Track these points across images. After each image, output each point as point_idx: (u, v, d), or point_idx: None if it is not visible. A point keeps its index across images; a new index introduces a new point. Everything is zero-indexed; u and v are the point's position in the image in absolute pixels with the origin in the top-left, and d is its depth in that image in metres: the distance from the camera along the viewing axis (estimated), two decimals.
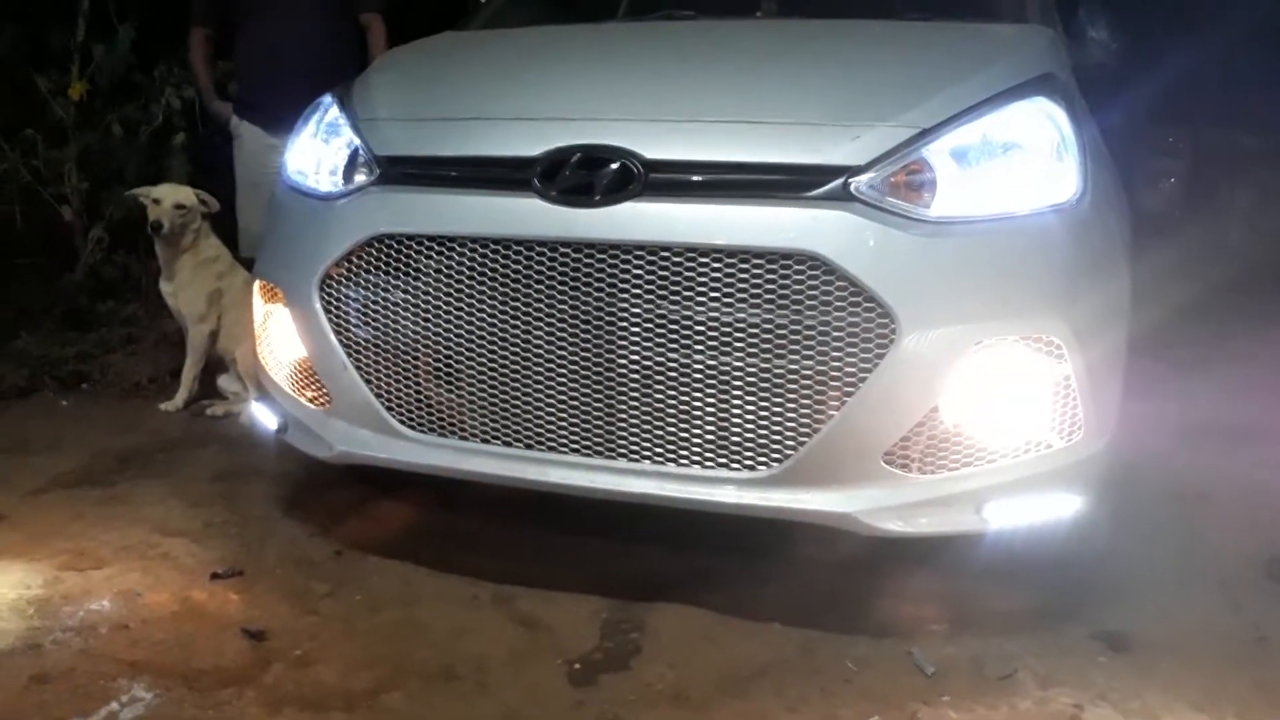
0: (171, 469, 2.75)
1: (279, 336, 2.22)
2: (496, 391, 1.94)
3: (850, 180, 1.80)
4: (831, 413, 1.78)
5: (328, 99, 2.35)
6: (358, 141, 2.14)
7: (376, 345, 2.02)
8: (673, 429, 1.85)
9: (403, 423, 2.02)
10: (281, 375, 2.23)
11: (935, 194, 1.82)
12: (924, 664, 1.85)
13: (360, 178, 2.10)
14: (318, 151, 2.26)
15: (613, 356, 1.85)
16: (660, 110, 1.95)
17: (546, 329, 1.88)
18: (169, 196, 3.23)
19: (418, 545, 2.24)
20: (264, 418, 2.28)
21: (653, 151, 1.86)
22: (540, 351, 1.89)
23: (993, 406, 1.82)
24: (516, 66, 2.28)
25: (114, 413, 3.24)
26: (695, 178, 1.84)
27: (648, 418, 1.86)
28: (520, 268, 1.88)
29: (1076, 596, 2.07)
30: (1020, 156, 1.89)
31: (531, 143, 1.92)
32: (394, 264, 1.98)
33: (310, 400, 2.16)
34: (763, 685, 1.76)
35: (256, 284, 2.30)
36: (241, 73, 3.59)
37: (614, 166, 1.85)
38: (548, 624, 1.95)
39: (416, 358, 1.98)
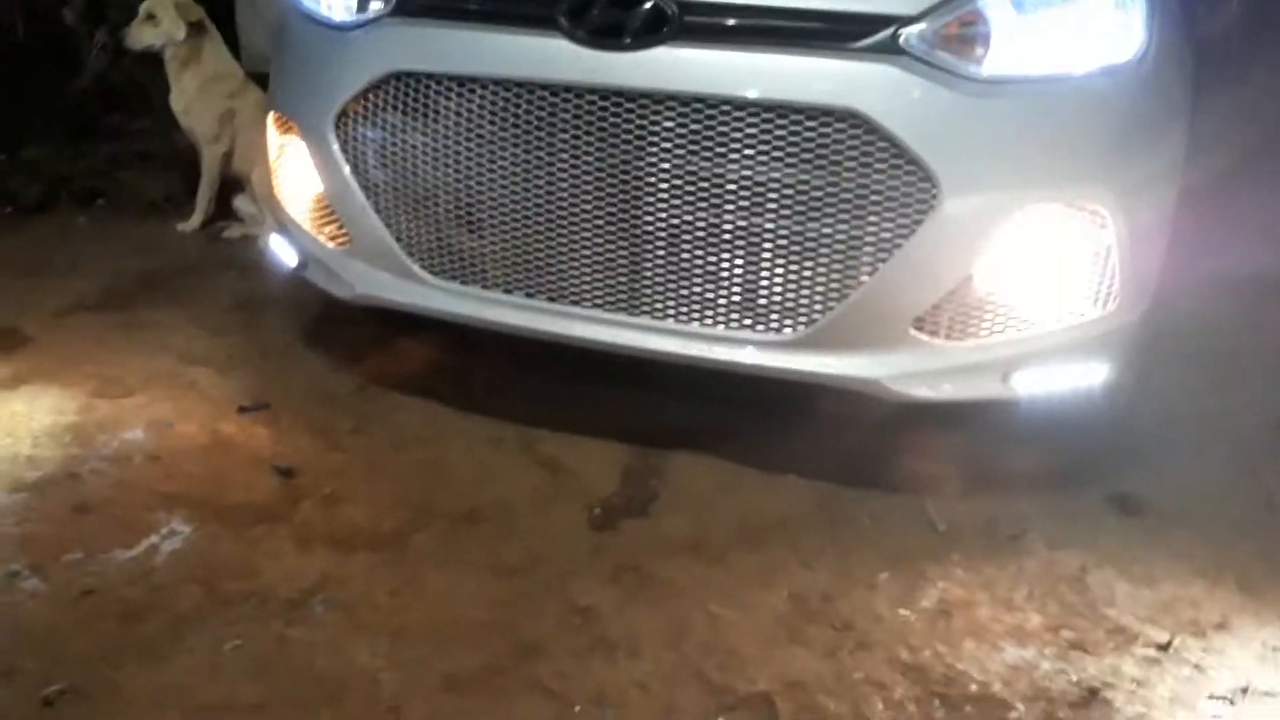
0: (192, 295, 2.75)
1: (296, 171, 2.16)
2: (519, 241, 1.90)
3: (900, 31, 1.69)
4: (864, 277, 1.74)
5: None
6: None
7: (396, 187, 1.97)
8: (699, 287, 1.82)
9: (424, 268, 2.00)
10: (299, 211, 2.19)
11: (988, 49, 1.71)
12: (936, 520, 1.89)
13: (375, 4, 1.98)
14: None
15: (639, 211, 1.80)
16: None
17: (571, 179, 1.82)
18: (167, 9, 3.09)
19: (440, 384, 2.27)
20: (282, 252, 2.25)
21: None
22: (564, 202, 1.84)
23: (1028, 273, 1.78)
24: None
25: (131, 232, 3.22)
26: (734, 21, 1.73)
27: (673, 275, 1.83)
28: (544, 112, 1.80)
29: (1094, 458, 2.08)
30: (1083, 6, 1.76)
31: None
32: (412, 103, 1.90)
33: (329, 239, 2.13)
34: (779, 537, 1.81)
35: (270, 114, 2.21)
36: None
37: (647, 6, 1.74)
38: (570, 468, 2.00)
39: (437, 202, 1.94)
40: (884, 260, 1.72)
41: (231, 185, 3.29)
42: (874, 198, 1.70)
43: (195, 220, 3.23)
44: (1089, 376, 1.86)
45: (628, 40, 1.74)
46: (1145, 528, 1.91)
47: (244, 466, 1.94)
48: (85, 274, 2.85)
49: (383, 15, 1.96)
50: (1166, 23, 1.82)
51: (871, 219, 1.71)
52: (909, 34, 1.69)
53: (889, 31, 1.69)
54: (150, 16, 3.07)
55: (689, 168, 1.75)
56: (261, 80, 3.38)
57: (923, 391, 1.82)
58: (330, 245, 2.13)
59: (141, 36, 3.08)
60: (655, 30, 1.73)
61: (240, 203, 3.29)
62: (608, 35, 1.75)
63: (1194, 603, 1.70)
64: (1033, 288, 1.79)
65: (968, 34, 1.72)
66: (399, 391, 2.25)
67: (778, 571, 1.71)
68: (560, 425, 2.12)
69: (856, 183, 1.70)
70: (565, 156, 1.81)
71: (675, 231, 1.79)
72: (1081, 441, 2.09)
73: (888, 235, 1.71)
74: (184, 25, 3.07)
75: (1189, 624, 1.65)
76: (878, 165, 1.68)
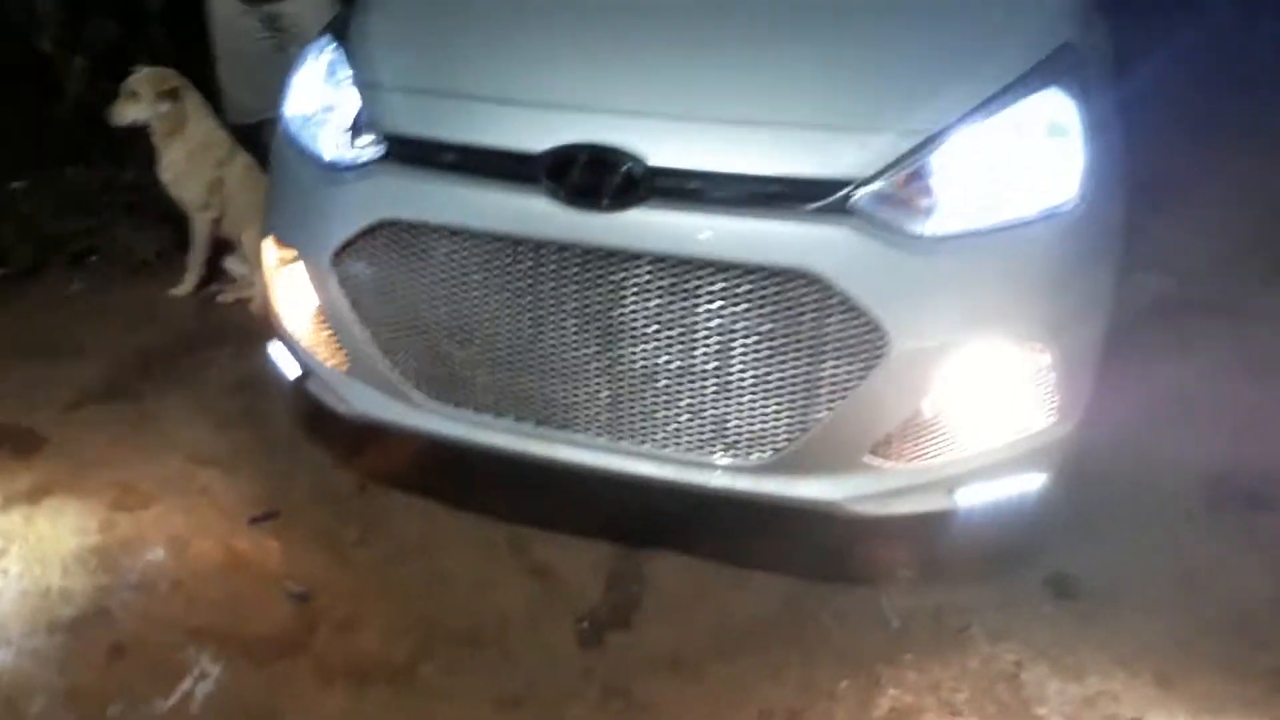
0: (193, 377, 2.90)
1: (295, 291, 2.29)
2: (508, 374, 2.05)
3: (853, 193, 1.84)
4: (823, 413, 1.91)
5: (326, 41, 2.30)
6: (361, 105, 2.13)
7: (393, 321, 2.11)
8: (674, 418, 1.99)
9: (419, 392, 2.15)
10: (299, 327, 2.32)
11: (934, 206, 1.86)
12: (891, 617, 2.11)
13: (367, 148, 2.11)
14: (319, 98, 2.25)
15: (618, 351, 1.96)
16: (665, 104, 1.93)
17: (555, 321, 1.97)
18: (147, 87, 3.16)
19: (434, 479, 2.43)
20: (283, 362, 2.39)
21: (657, 157, 1.87)
22: (549, 341, 1.99)
23: (972, 401, 1.95)
24: (518, 24, 2.19)
25: (126, 298, 3.34)
26: (700, 186, 1.87)
27: (651, 407, 1.99)
28: (529, 263, 1.95)
29: (1033, 537, 2.27)
30: (1023, 159, 1.91)
31: (538, 135, 1.93)
32: (405, 247, 2.03)
33: (328, 358, 2.28)
34: (750, 645, 2.02)
35: (270, 237, 2.34)
36: None
37: (620, 171, 1.88)
38: (559, 574, 2.19)
39: (431, 337, 2.09)
40: (841, 399, 1.89)
41: (221, 245, 3.41)
42: (831, 344, 1.86)
43: (188, 284, 3.35)
44: (1028, 485, 2.06)
45: (605, 202, 1.88)
46: (1078, 613, 2.13)
47: (260, 589, 2.13)
48: (88, 356, 2.99)
49: (375, 161, 2.09)
50: (1100, 165, 1.98)
51: (829, 363, 1.88)
52: (861, 195, 1.85)
53: (841, 194, 1.84)
54: (133, 94, 3.15)
55: (662, 315, 1.90)
56: (245, 132, 3.50)
57: (875, 510, 2.00)
58: (330, 364, 2.28)
59: (125, 113, 3.17)
60: (629, 193, 1.88)
61: (231, 264, 3.42)
62: (586, 196, 1.89)
63: (1115, 697, 1.93)
64: (976, 413, 1.97)
65: (915, 191, 1.87)
66: (396, 489, 2.43)
67: (749, 687, 1.92)
68: (547, 520, 2.30)
69: (814, 331, 1.86)
70: (549, 301, 1.96)
71: (651, 369, 1.95)
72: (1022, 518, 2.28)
73: (843, 377, 1.88)
74: (163, 99, 3.15)
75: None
76: (833, 317, 1.84)
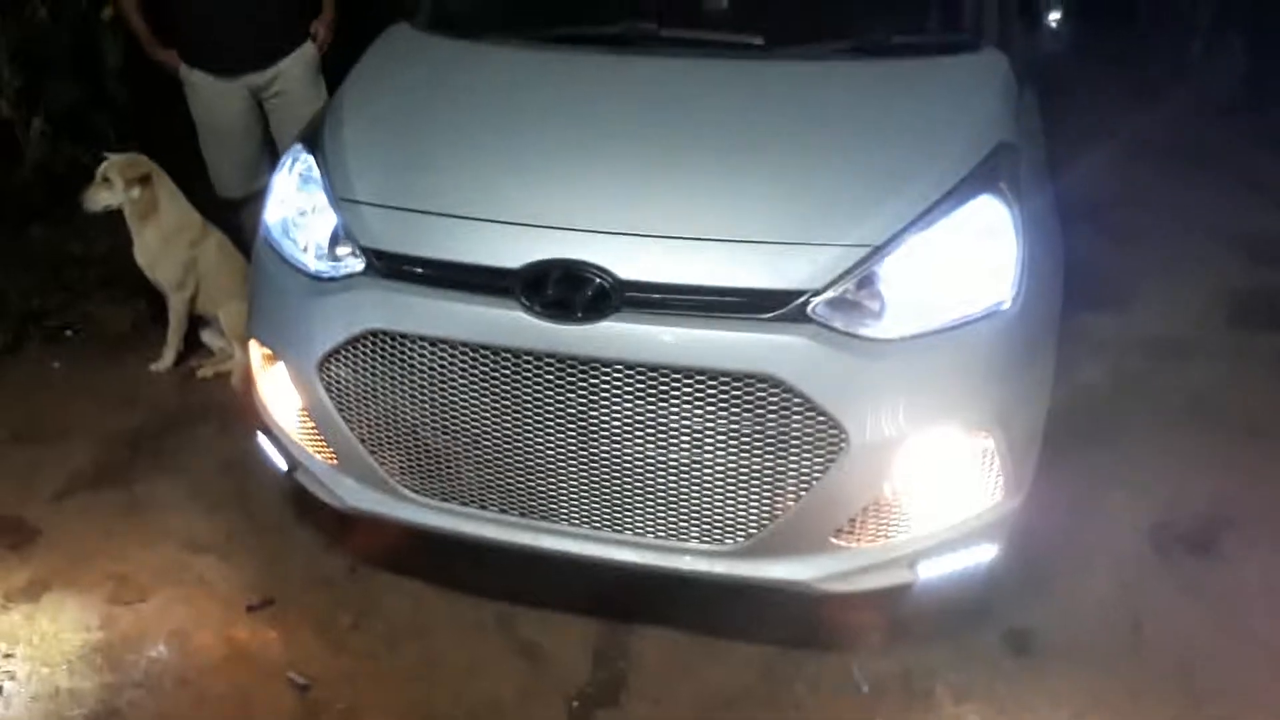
0: (180, 457, 2.98)
1: (282, 392, 2.39)
2: (491, 471, 2.17)
3: (808, 302, 1.98)
4: (790, 503, 2.05)
5: (300, 153, 2.41)
6: (339, 220, 2.24)
7: (378, 424, 2.22)
8: (650, 509, 2.12)
9: (407, 487, 2.26)
10: (287, 424, 2.42)
11: (883, 311, 2.01)
12: (861, 682, 2.25)
13: (348, 261, 2.21)
14: (295, 206, 2.35)
15: (595, 450, 2.08)
16: (632, 223, 2.06)
17: (534, 422, 2.09)
18: (119, 172, 3.24)
19: (421, 560, 2.52)
20: (272, 455, 2.49)
21: (627, 271, 2.00)
22: (529, 441, 2.11)
23: (926, 485, 2.11)
24: (490, 141, 2.32)
25: (107, 375, 3.41)
26: (666, 298, 2.00)
27: (628, 499, 2.12)
28: (508, 370, 2.07)
29: (992, 594, 2.42)
30: (963, 263, 2.06)
31: (513, 252, 2.05)
32: (389, 354, 2.14)
33: (317, 453, 2.38)
34: (731, 719, 2.15)
35: (253, 340, 2.43)
36: (184, 18, 3.45)
37: (592, 285, 2.00)
38: (547, 653, 2.31)
39: (416, 437, 2.20)
40: (806, 489, 2.03)
41: (198, 319, 3.48)
42: (794, 441, 2.00)
43: (167, 360, 3.42)
44: (980, 556, 2.21)
45: (578, 314, 2.01)
46: (1032, 669, 2.28)
47: (264, 681, 2.22)
48: (74, 438, 3.06)
49: (357, 274, 2.19)
50: (1035, 260, 2.14)
51: (792, 458, 2.01)
52: (816, 304, 1.99)
53: (797, 304, 1.98)
54: (105, 179, 3.22)
55: (636, 416, 2.03)
56: (231, 207, 3.58)
57: (842, 587, 2.15)
58: (318, 458, 2.38)
59: (97, 199, 3.23)
60: (601, 306, 2.00)
61: (208, 337, 3.50)
62: (560, 309, 2.02)
63: None
64: (931, 495, 2.12)
65: (865, 298, 2.02)
66: (386, 570, 2.53)
67: None
68: (533, 600, 2.42)
69: (778, 429, 1.99)
70: (528, 405, 2.08)
71: (626, 465, 2.08)
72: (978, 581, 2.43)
73: (807, 470, 2.02)
74: (134, 185, 3.22)
75: None
76: (794, 416, 1.98)
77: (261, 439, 2.52)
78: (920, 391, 2.03)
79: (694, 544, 2.14)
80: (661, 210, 2.08)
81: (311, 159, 2.38)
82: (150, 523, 2.72)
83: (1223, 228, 4.39)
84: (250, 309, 2.49)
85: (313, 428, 2.35)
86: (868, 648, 2.33)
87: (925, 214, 2.04)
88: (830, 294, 1.99)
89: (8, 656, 2.29)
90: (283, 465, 2.47)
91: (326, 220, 2.27)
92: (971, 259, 2.07)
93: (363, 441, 2.25)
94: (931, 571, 2.18)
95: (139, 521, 2.72)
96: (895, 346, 2.01)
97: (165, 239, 3.30)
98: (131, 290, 3.70)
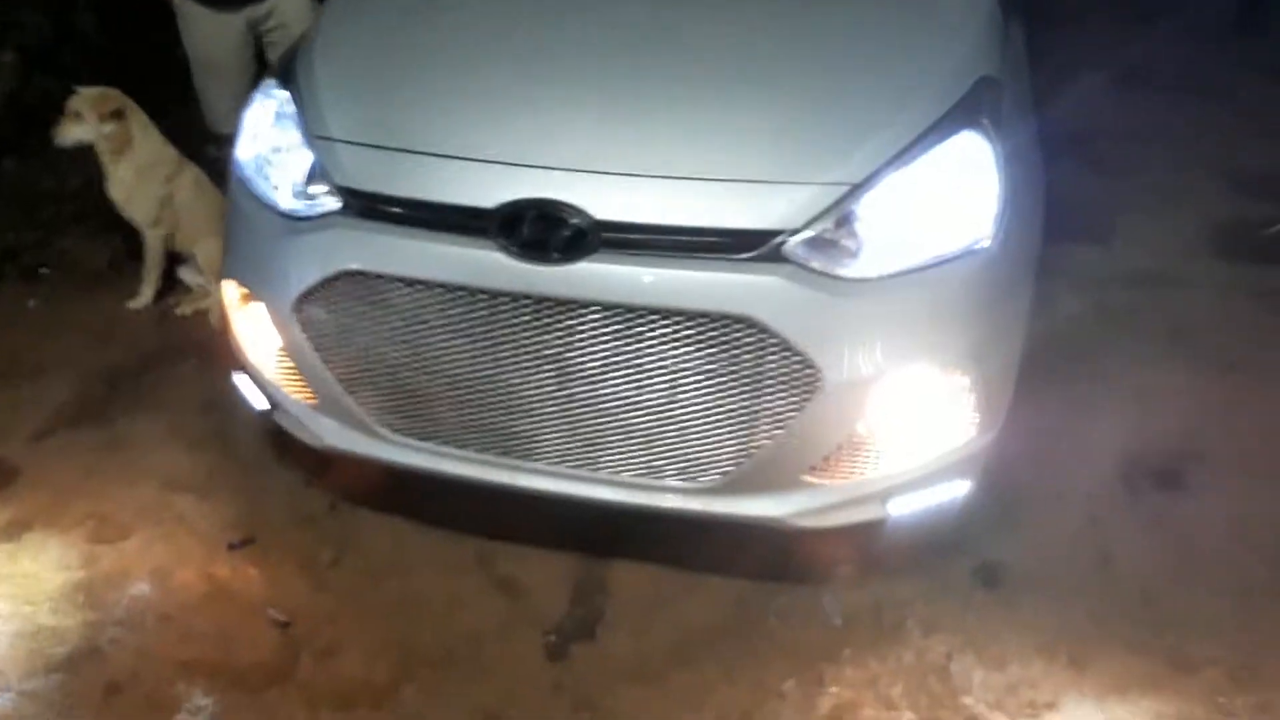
0: (160, 395, 2.97)
1: (259, 332, 2.37)
2: (470, 410, 2.18)
3: (785, 242, 1.97)
4: (764, 441, 2.06)
5: (274, 88, 2.36)
6: (314, 158, 2.20)
7: (357, 363, 2.21)
8: (627, 448, 2.13)
9: (387, 427, 2.27)
10: (264, 364, 2.41)
11: (860, 251, 2.00)
12: (833, 613, 2.30)
13: (323, 200, 2.18)
14: (269, 143, 2.31)
15: (572, 389, 2.09)
16: (610, 161, 2.03)
17: (512, 363, 2.09)
18: (89, 107, 3.16)
19: (401, 496, 2.54)
20: (250, 395, 2.49)
21: (603, 211, 1.99)
22: (507, 381, 2.11)
23: (900, 423, 2.12)
24: (466, 76, 2.27)
25: (84, 311, 3.38)
26: (643, 238, 1.99)
27: (605, 438, 2.13)
28: (485, 311, 2.06)
29: (966, 524, 2.43)
30: (942, 201, 2.05)
31: (490, 191, 2.03)
32: (365, 294, 2.13)
33: (295, 393, 2.38)
34: (706, 652, 2.19)
35: (230, 280, 2.41)
36: None
37: (568, 225, 1.99)
38: (526, 587, 2.34)
39: (395, 377, 2.20)
40: (780, 429, 2.05)
41: (175, 255, 3.45)
42: (769, 381, 2.01)
43: (145, 298, 3.40)
44: (953, 492, 2.24)
45: (555, 255, 1.99)
46: (1002, 601, 2.33)
47: (245, 618, 2.25)
48: (53, 376, 3.05)
49: (332, 213, 2.17)
50: (1016, 198, 2.12)
51: (767, 397, 2.02)
52: (793, 244, 1.98)
53: (774, 243, 1.97)
54: (76, 114, 3.15)
55: (613, 357, 2.03)
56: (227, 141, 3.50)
57: (816, 523, 2.18)
58: (296, 398, 2.38)
59: (69, 134, 3.17)
60: (577, 246, 1.99)
61: (186, 274, 3.47)
62: (536, 249, 2.00)
63: (1032, 683, 2.13)
64: (904, 432, 2.13)
65: (842, 236, 2.00)
66: (366, 507, 2.55)
67: (707, 691, 2.10)
68: (512, 535, 2.45)
69: (753, 369, 2.00)
70: (506, 345, 2.07)
71: (604, 405, 2.09)
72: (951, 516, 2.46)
73: (782, 409, 2.03)
74: (107, 120, 3.15)
75: (1027, 706, 2.09)
76: (770, 356, 1.98)
77: (238, 378, 2.52)
78: (896, 331, 2.02)
79: (670, 482, 2.15)
80: (639, 148, 2.05)
81: (285, 94, 2.33)
82: (130, 461, 2.72)
83: (1213, 158, 4.35)
84: (225, 248, 2.46)
85: (291, 367, 2.34)
86: (840, 581, 2.37)
87: (905, 151, 2.02)
88: (808, 233, 1.98)
89: None
90: (261, 405, 2.47)
91: (301, 158, 2.23)
92: (951, 197, 2.06)
93: (340, 381, 2.25)
94: (904, 508, 2.20)
95: (119, 460, 2.72)
96: (872, 286, 2.00)
97: (139, 174, 3.24)
98: (107, 226, 3.64)
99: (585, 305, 2.00)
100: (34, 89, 4.27)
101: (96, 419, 2.88)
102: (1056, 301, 3.23)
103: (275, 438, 2.73)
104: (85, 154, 3.30)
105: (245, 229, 2.34)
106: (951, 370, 2.09)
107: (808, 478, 2.13)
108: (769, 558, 2.39)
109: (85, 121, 3.14)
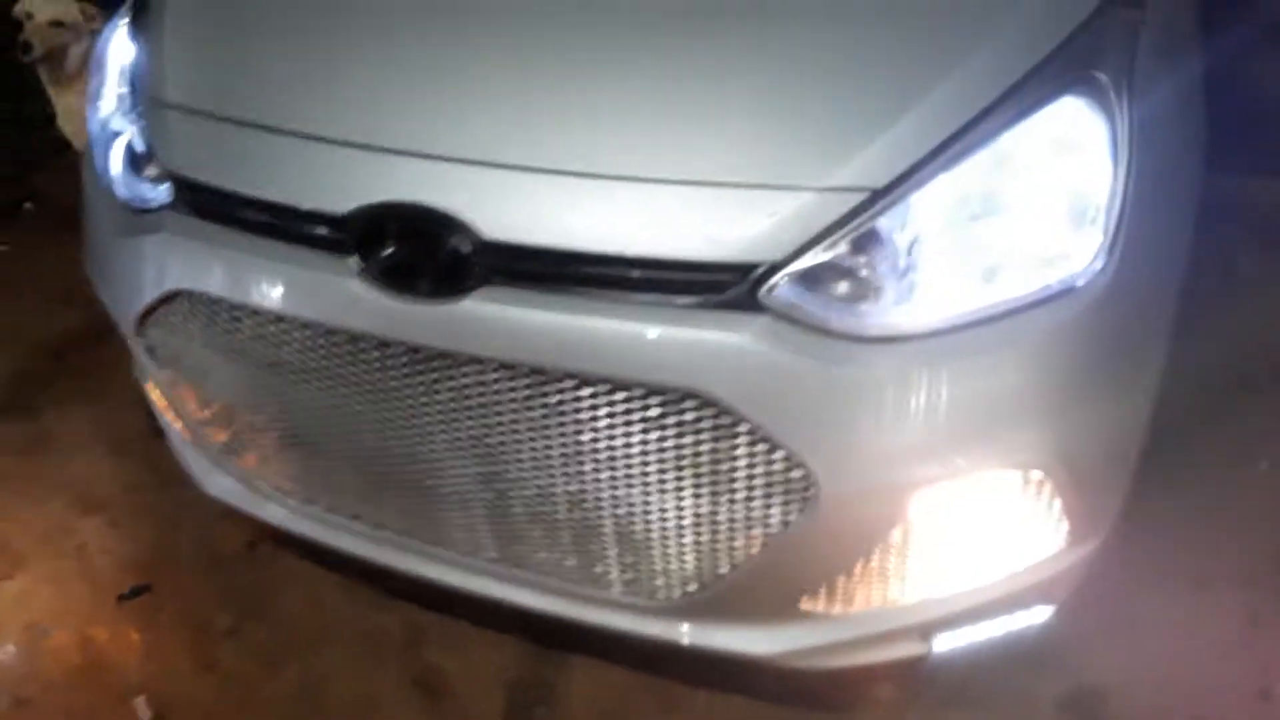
0: (101, 381, 2.55)
1: None
2: (352, 479, 1.63)
3: (760, 283, 1.27)
4: (740, 555, 1.43)
5: (120, 26, 1.78)
6: (142, 128, 1.63)
7: (215, 400, 1.69)
8: (553, 546, 1.54)
9: (263, 482, 1.75)
10: (142, 381, 1.92)
11: (879, 296, 1.28)
12: None
13: (156, 186, 1.62)
14: (111, 102, 1.75)
15: (471, 466, 1.49)
16: (503, 145, 1.35)
17: (392, 427, 1.50)
18: (43, 11, 2.74)
19: None
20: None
21: (495, 227, 1.32)
22: (388, 449, 1.53)
23: (946, 535, 1.43)
24: (332, 22, 1.57)
25: (53, 265, 2.97)
26: (550, 271, 1.33)
27: (522, 528, 1.54)
28: (346, 357, 1.47)
29: (1055, 631, 1.77)
30: (1022, 213, 1.29)
31: (344, 189, 1.40)
32: (208, 321, 1.57)
33: (173, 422, 1.88)
34: None
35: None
36: None
37: (445, 246, 1.34)
38: (453, 686, 1.82)
39: (257, 428, 1.66)
40: (761, 543, 1.40)
41: None
42: (741, 479, 1.35)
43: None
44: (1027, 620, 1.55)
45: (425, 287, 1.37)
46: None
47: (109, 706, 1.83)
48: (2, 346, 2.69)
49: (164, 206, 1.60)
50: (1147, 206, 1.33)
51: (740, 500, 1.37)
52: (773, 285, 1.28)
53: (745, 285, 1.28)
54: (28, 14, 2.74)
55: (518, 427, 1.41)
56: None
57: (823, 663, 1.54)
58: (177, 429, 1.88)
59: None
60: (458, 277, 1.35)
61: None
62: (401, 278, 1.38)
63: None
64: (953, 551, 1.45)
65: (851, 276, 1.29)
66: (288, 551, 2.07)
67: None
68: (451, 606, 1.90)
69: (714, 463, 1.34)
70: (383, 401, 1.49)
71: (513, 489, 1.49)
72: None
73: (761, 518, 1.38)
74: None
75: None
76: (739, 448, 1.32)
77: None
78: (932, 418, 1.30)
79: (617, 595, 1.55)
80: (553, 131, 1.34)
81: (131, 33, 1.75)
82: (47, 469, 2.34)
83: None
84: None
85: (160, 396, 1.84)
86: (878, 710, 1.74)
87: (960, 134, 1.26)
88: (799, 265, 1.27)
89: None
90: (152, 428, 1.99)
91: (135, 131, 1.67)
92: (1035, 203, 1.30)
93: (203, 420, 1.73)
94: (953, 643, 1.54)
95: (35, 467, 2.35)
96: (894, 349, 1.29)
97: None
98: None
99: (475, 361, 1.38)
100: None
101: (25, 409, 2.50)
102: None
103: None
104: None
105: (89, 215, 1.81)
106: (1024, 471, 1.37)
107: (807, 606, 1.48)
108: (778, 672, 1.76)
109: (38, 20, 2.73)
